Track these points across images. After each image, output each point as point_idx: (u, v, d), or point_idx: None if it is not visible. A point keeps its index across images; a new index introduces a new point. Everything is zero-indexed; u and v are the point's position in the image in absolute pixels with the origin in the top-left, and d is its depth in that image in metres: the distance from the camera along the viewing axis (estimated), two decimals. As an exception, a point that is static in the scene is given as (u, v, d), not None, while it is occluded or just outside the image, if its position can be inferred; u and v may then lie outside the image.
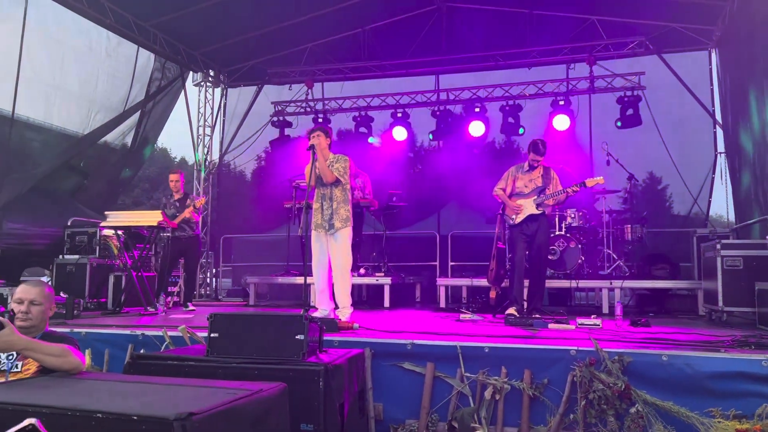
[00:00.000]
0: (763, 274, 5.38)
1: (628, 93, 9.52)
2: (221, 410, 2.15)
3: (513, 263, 6.32)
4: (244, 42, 10.40)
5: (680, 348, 3.84)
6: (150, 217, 6.74)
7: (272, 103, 11.48)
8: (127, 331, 4.75)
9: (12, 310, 2.92)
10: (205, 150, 11.51)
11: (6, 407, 2.12)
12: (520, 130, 10.09)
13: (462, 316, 6.10)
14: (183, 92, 10.88)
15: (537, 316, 5.66)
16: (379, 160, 10.44)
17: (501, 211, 6.50)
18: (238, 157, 11.87)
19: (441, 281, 8.09)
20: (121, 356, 4.45)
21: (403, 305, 8.19)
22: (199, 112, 11.45)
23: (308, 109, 11.32)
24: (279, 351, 3.37)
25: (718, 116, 9.42)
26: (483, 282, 7.24)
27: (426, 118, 10.80)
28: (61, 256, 7.56)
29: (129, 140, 10.06)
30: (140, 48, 9.58)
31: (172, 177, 7.60)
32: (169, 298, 7.69)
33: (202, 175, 11.44)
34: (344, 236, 5.42)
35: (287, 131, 11.31)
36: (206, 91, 11.53)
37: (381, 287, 7.87)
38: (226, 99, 11.89)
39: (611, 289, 7.21)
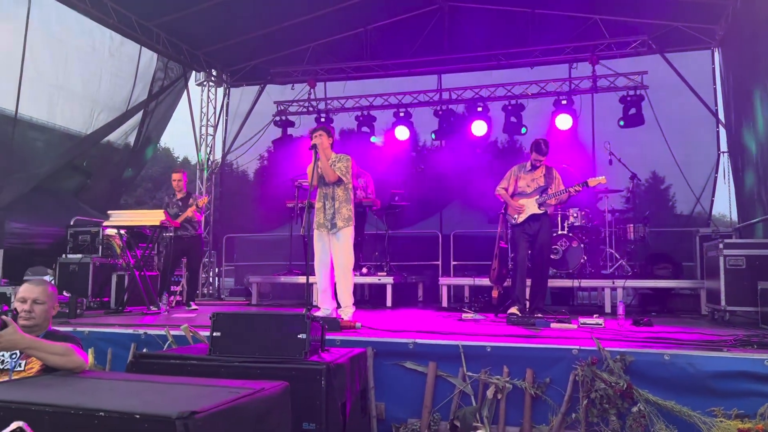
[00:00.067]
0: (765, 274, 5.36)
1: (631, 92, 9.51)
2: (223, 409, 2.16)
3: (515, 263, 6.32)
4: (247, 42, 10.41)
5: (682, 347, 3.83)
6: (153, 217, 6.75)
7: (275, 102, 11.48)
8: (130, 330, 4.76)
9: (15, 309, 2.93)
10: (208, 149, 11.53)
11: (9, 406, 2.13)
12: (523, 130, 10.08)
13: (464, 315, 6.10)
14: (186, 92, 10.91)
15: (539, 315, 5.65)
16: (381, 160, 10.44)
17: (503, 211, 6.49)
18: (240, 156, 11.90)
19: (443, 281, 8.09)
20: (124, 355, 4.47)
21: (406, 305, 8.19)
22: (201, 111, 11.47)
23: (311, 109, 11.32)
24: (281, 350, 3.37)
25: (721, 115, 9.41)
26: (485, 281, 7.24)
27: (428, 118, 10.80)
28: (64, 256, 7.58)
29: (132, 140, 10.08)
30: (143, 48, 9.60)
31: (175, 176, 7.62)
32: (172, 298, 7.71)
33: (205, 174, 11.46)
34: (346, 235, 5.42)
35: (290, 131, 11.32)
36: (209, 90, 11.55)
37: (383, 287, 7.87)
38: (228, 98, 11.90)
39: (614, 289, 7.20)
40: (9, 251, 7.77)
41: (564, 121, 9.64)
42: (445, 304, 7.79)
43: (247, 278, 9.25)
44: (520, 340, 4.20)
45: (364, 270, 8.10)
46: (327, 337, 3.80)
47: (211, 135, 11.57)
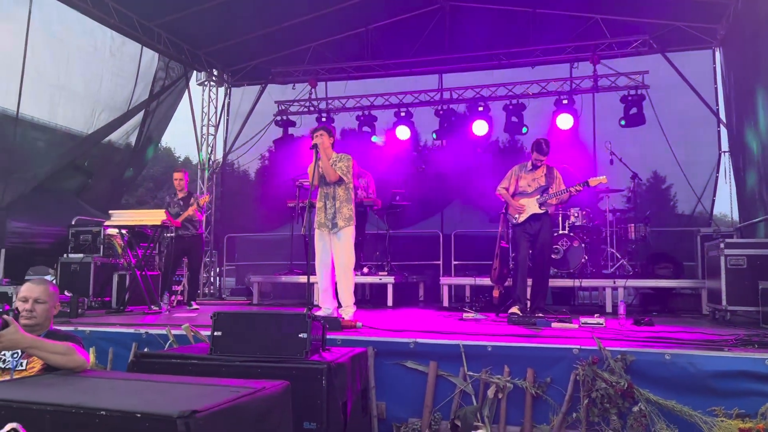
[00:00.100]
0: (766, 273, 5.36)
1: (632, 92, 9.50)
2: (224, 408, 2.16)
3: (516, 262, 6.32)
4: (248, 41, 10.42)
5: (683, 347, 3.84)
6: (154, 216, 6.76)
7: (276, 102, 11.48)
8: (131, 330, 4.77)
9: (17, 308, 2.94)
10: (209, 149, 11.54)
11: (11, 405, 2.13)
12: (524, 129, 10.08)
13: (465, 315, 6.11)
14: (187, 92, 10.92)
15: (540, 315, 5.65)
16: (382, 160, 10.44)
17: (504, 211, 6.50)
18: (241, 156, 11.91)
19: (444, 280, 8.10)
20: (125, 354, 4.48)
21: (407, 304, 8.19)
22: (202, 111, 11.47)
23: (312, 109, 11.33)
24: (282, 349, 3.38)
25: (722, 115, 9.40)
26: (486, 281, 7.24)
27: (429, 117, 10.80)
28: (65, 255, 7.60)
29: (133, 140, 10.09)
30: (144, 48, 9.61)
31: (177, 175, 7.63)
32: (173, 297, 7.72)
33: (206, 174, 11.47)
34: (347, 235, 5.42)
35: (291, 130, 11.32)
36: (210, 90, 11.55)
37: (384, 286, 7.88)
38: (229, 98, 11.91)
39: (614, 288, 7.20)
40: (10, 251, 7.79)
41: (565, 121, 9.63)
42: (446, 303, 7.79)
43: (248, 278, 9.26)
44: (521, 339, 4.21)
45: (365, 270, 8.10)
46: (328, 336, 3.80)
47: (212, 135, 11.57)
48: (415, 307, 7.98)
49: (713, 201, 9.59)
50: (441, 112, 10.60)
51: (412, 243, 10.32)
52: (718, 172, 9.47)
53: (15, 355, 2.87)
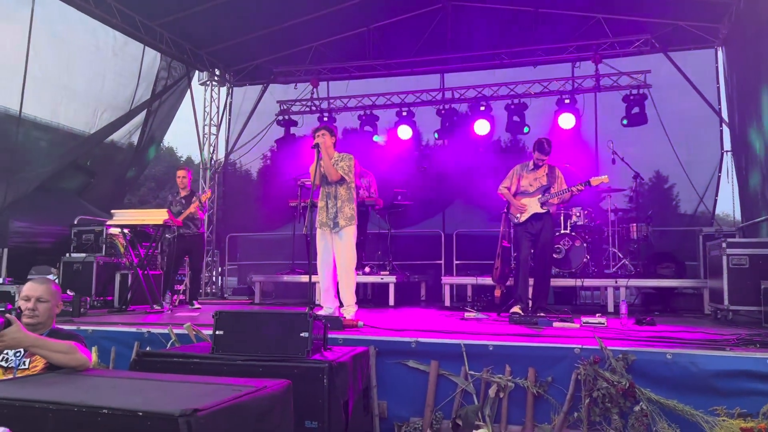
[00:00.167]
0: (769, 273, 5.36)
1: (634, 91, 9.48)
2: (226, 407, 2.17)
3: (518, 262, 6.32)
4: (250, 41, 10.42)
5: (685, 346, 3.83)
6: (156, 216, 6.77)
7: (278, 102, 11.49)
8: (133, 329, 4.78)
9: (19, 307, 2.94)
10: (211, 149, 11.55)
11: (14, 403, 2.14)
12: (525, 129, 10.06)
13: (467, 314, 6.11)
14: (189, 91, 10.93)
15: (542, 314, 5.66)
16: (384, 159, 10.44)
17: (506, 210, 6.49)
18: (243, 156, 11.91)
19: (446, 280, 8.10)
20: (127, 354, 4.49)
21: (408, 304, 8.20)
22: (204, 111, 11.49)
23: (314, 108, 11.33)
24: (284, 348, 3.38)
25: (725, 114, 9.38)
26: (488, 280, 7.24)
27: (431, 117, 10.79)
28: (67, 255, 7.61)
29: (135, 139, 10.10)
30: (146, 47, 9.61)
31: (180, 173, 7.64)
32: (175, 297, 7.73)
33: (208, 174, 11.48)
34: (349, 234, 5.42)
35: (293, 130, 11.32)
36: (212, 90, 11.56)
37: (386, 286, 7.88)
38: (231, 98, 11.92)
39: (616, 288, 7.20)
40: (13, 250, 7.80)
41: (567, 120, 9.62)
42: (447, 303, 7.80)
43: (250, 277, 9.27)
44: (523, 339, 4.21)
45: (367, 269, 8.11)
46: (329, 335, 3.81)
47: (214, 134, 11.58)
48: (417, 306, 7.99)
49: (715, 200, 9.57)
50: (443, 111, 10.60)
51: (413, 242, 10.32)
52: (720, 171, 9.45)
53: (18, 354, 2.88)
